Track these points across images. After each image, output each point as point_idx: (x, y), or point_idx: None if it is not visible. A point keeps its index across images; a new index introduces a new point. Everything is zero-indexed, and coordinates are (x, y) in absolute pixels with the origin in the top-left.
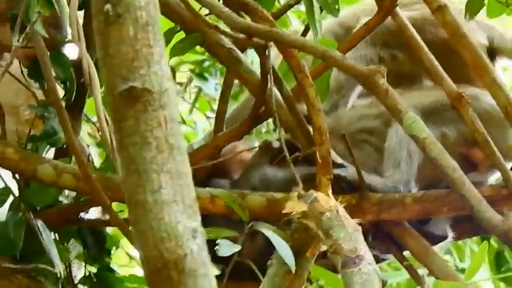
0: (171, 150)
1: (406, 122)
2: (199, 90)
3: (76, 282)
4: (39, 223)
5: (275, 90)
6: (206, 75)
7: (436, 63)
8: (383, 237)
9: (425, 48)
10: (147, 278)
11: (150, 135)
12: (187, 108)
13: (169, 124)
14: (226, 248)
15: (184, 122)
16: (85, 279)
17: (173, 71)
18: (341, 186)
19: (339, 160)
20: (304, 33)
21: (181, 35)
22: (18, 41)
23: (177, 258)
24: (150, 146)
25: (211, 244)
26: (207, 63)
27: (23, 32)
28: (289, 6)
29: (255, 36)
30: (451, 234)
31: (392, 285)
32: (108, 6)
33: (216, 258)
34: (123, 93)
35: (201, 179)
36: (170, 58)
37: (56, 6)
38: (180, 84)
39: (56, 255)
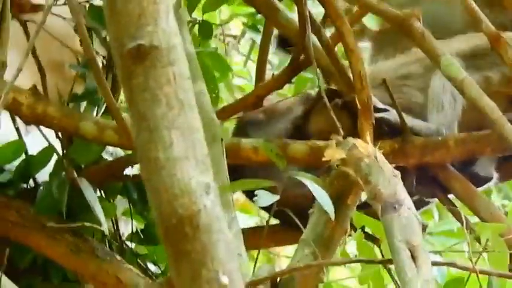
0: (181, 106)
1: (443, 63)
2: (253, 42)
3: (123, 239)
4: (83, 181)
5: (314, 37)
6: (259, 26)
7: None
8: (427, 181)
9: None
10: (163, 234)
11: (159, 92)
12: (241, 61)
13: (179, 80)
14: (265, 198)
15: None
16: (132, 236)
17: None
18: (383, 130)
19: (381, 105)
20: None
21: None
22: None
23: (191, 214)
24: (160, 102)
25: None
26: (259, 16)
27: None
28: None
29: None
30: (495, 176)
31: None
32: None
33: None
34: (131, 51)
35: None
36: (203, 14)
37: None
38: (234, 37)
39: (101, 212)
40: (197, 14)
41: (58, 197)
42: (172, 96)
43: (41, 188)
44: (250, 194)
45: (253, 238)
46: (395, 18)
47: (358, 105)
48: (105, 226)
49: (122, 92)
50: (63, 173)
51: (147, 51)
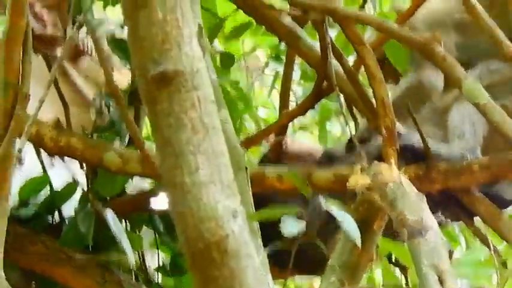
0: (206, 130)
1: (466, 87)
2: (277, 73)
3: (150, 270)
4: (109, 213)
5: (336, 64)
6: (283, 57)
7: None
8: (452, 205)
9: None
10: (190, 260)
11: (184, 116)
12: (265, 92)
13: (203, 104)
14: (290, 225)
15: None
16: (159, 267)
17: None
18: (407, 156)
19: (404, 130)
20: (362, 6)
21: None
22: (72, 29)
23: (218, 239)
24: (185, 127)
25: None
26: (283, 46)
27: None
28: None
29: (311, 10)
30: None
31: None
32: None
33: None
34: (156, 76)
35: (272, 159)
36: (226, 42)
37: None
38: (258, 68)
39: (128, 245)
40: (219, 44)
41: (84, 230)
42: (197, 121)
43: (67, 221)
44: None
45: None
46: (417, 43)
47: (383, 130)
48: (132, 258)
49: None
50: (89, 205)
51: (171, 76)
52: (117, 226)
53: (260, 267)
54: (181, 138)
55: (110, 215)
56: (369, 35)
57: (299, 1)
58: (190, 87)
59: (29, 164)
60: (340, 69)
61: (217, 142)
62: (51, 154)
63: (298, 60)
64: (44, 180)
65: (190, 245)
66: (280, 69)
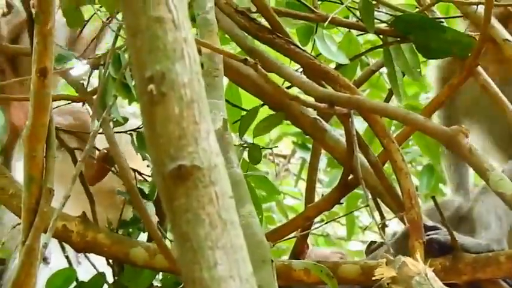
0: (224, 225)
1: (493, 179)
2: (303, 161)
3: None
4: None
5: (361, 157)
6: (309, 145)
7: None
8: None
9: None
10: None
11: (202, 212)
12: (292, 180)
13: (221, 199)
14: None
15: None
16: None
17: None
18: (433, 249)
19: (430, 223)
20: (388, 98)
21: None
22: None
23: None
24: (203, 222)
25: None
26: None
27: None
28: (371, 72)
29: (337, 104)
30: None
31: None
32: (151, 86)
33: None
34: (173, 172)
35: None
36: (254, 137)
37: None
38: (284, 156)
39: None
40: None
41: None
42: (215, 216)
43: None
44: None
45: None
46: (443, 135)
47: (407, 223)
48: None
49: None
50: None
51: (189, 172)
52: None
53: None
54: (199, 234)
55: None
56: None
57: (325, 94)
58: (207, 182)
59: (54, 263)
60: (366, 162)
61: (236, 236)
62: (77, 250)
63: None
64: (71, 274)
65: None
66: (307, 156)
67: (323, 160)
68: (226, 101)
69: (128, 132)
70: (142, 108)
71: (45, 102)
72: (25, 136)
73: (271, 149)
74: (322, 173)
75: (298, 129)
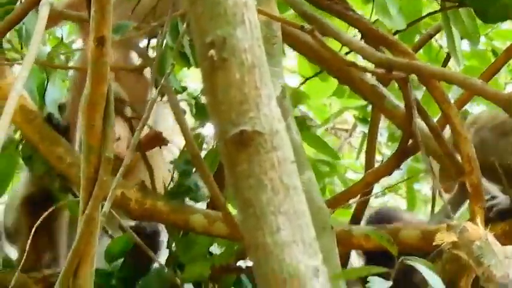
0: (286, 190)
1: None
2: (365, 135)
3: None
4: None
5: (420, 122)
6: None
7: None
8: None
9: None
10: None
11: (264, 177)
12: (354, 154)
13: (283, 165)
14: (378, 285)
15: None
16: None
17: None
18: (494, 216)
19: (490, 188)
20: (445, 63)
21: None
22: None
23: None
24: (266, 188)
25: None
26: (369, 108)
27: (158, 85)
28: (429, 37)
29: (395, 69)
30: None
31: None
32: (212, 52)
33: None
34: (235, 138)
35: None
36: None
37: None
38: (346, 130)
39: None
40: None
41: None
42: (277, 181)
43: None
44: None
45: None
46: (501, 100)
47: (469, 188)
48: None
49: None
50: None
51: (251, 137)
52: None
53: None
54: (262, 199)
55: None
56: None
57: (383, 59)
58: (269, 148)
59: None
60: (425, 127)
61: (298, 202)
62: (136, 217)
63: (385, 123)
64: (128, 240)
65: None
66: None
67: (383, 135)
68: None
69: None
70: (203, 74)
71: (103, 71)
72: (83, 106)
73: (332, 120)
74: (383, 147)
75: (359, 103)
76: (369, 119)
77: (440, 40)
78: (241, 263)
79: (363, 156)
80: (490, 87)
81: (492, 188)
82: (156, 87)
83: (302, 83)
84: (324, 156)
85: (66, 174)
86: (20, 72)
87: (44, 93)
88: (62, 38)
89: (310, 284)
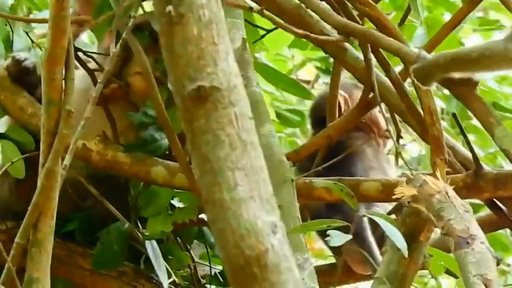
0: (244, 146)
1: (497, 134)
2: (327, 85)
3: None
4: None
5: (382, 75)
6: None
7: None
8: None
9: None
10: (230, 276)
11: (222, 133)
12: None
13: (241, 120)
14: (337, 238)
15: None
16: (211, 278)
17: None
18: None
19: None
20: (406, 14)
21: None
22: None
23: (258, 254)
24: (223, 144)
25: None
26: (332, 60)
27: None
28: None
29: (352, 36)
30: None
31: None
32: (170, 8)
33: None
34: (192, 93)
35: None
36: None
37: None
38: (308, 82)
39: (163, 272)
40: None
41: (118, 249)
42: (235, 137)
43: (101, 242)
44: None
45: (330, 275)
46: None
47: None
48: (166, 284)
49: None
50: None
51: (208, 93)
52: (152, 248)
53: (300, 281)
54: (219, 155)
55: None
56: None
57: (341, 23)
58: (227, 103)
59: None
60: (387, 80)
61: (256, 157)
62: (97, 169)
63: (348, 75)
64: None
65: (231, 262)
66: None
67: None
68: (246, 21)
69: None
70: (161, 29)
71: (64, 25)
72: (44, 59)
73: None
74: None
75: (321, 54)
76: (331, 70)
77: None
78: (203, 216)
79: None
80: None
81: None
82: (118, 40)
83: (263, 36)
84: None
85: (27, 125)
86: None
87: (11, 46)
88: None
89: (268, 239)
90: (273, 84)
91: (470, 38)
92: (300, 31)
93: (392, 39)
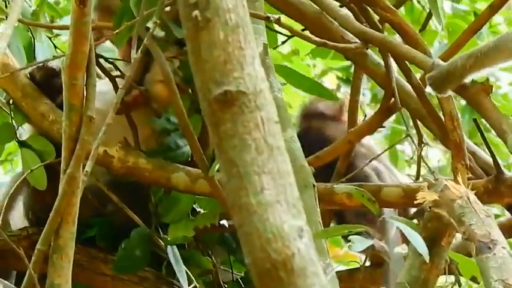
0: (270, 150)
1: (510, 142)
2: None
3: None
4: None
5: (403, 81)
6: None
7: None
8: None
9: None
10: (257, 280)
11: (248, 137)
12: None
13: (267, 125)
14: (359, 243)
15: None
16: (233, 284)
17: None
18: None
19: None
20: (427, 19)
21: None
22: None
23: (285, 258)
24: (250, 148)
25: None
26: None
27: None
28: None
29: (370, 43)
30: None
31: None
32: (196, 12)
33: None
34: (219, 97)
35: (341, 173)
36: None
37: None
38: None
39: (183, 274)
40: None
41: (140, 254)
42: (261, 141)
43: (122, 247)
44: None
45: (351, 281)
46: (464, 91)
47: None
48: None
49: None
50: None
51: (234, 97)
52: (173, 253)
53: (327, 285)
54: (246, 159)
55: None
56: None
57: (360, 30)
58: (253, 107)
59: None
60: (408, 85)
61: (282, 162)
62: (119, 176)
63: (369, 84)
64: None
65: (257, 266)
66: None
67: (366, 95)
68: (267, 27)
69: None
70: (187, 34)
71: (85, 30)
72: (65, 64)
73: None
74: (366, 108)
75: (342, 64)
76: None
77: (423, 1)
78: (224, 222)
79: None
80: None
81: None
82: (139, 46)
83: (284, 42)
84: None
85: (48, 132)
86: (3, 31)
87: (34, 53)
88: None
89: (294, 243)
90: (297, 86)
91: None
92: (318, 39)
93: (408, 47)
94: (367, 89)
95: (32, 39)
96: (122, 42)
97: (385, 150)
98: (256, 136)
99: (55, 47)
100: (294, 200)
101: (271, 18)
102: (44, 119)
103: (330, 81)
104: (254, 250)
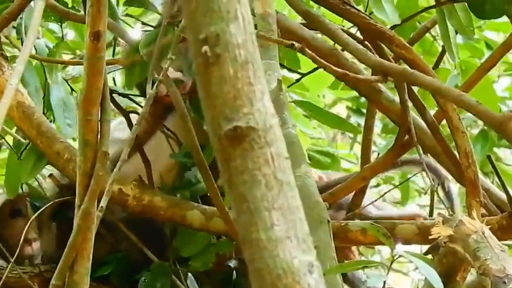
0: (280, 186)
1: None
2: (358, 125)
3: None
4: (188, 275)
5: (417, 118)
6: (363, 110)
7: None
8: None
9: None
10: None
11: (258, 173)
12: (348, 144)
13: (277, 160)
14: (374, 278)
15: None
16: None
17: None
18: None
19: (485, 183)
20: (441, 56)
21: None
22: (151, 88)
23: None
24: (260, 183)
25: None
26: (363, 99)
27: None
28: (425, 30)
29: (389, 75)
30: None
31: None
32: (206, 48)
33: None
34: (229, 133)
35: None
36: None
37: None
38: None
39: None
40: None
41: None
42: (271, 177)
43: (143, 279)
44: None
45: None
46: (494, 120)
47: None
48: None
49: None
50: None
51: (244, 133)
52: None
53: None
54: (256, 195)
55: (189, 277)
56: None
57: (378, 63)
58: (263, 143)
59: None
60: (422, 122)
61: (292, 197)
62: (134, 213)
63: (378, 114)
64: None
65: None
66: (361, 121)
67: (378, 126)
68: (282, 65)
69: None
70: (197, 70)
71: (99, 66)
72: (79, 100)
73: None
74: (377, 137)
75: (352, 94)
76: (362, 110)
77: (434, 32)
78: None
79: (356, 146)
80: (483, 107)
81: None
82: (154, 82)
83: (300, 78)
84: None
85: (63, 170)
86: (16, 66)
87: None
88: (62, 37)
89: (304, 279)
90: (321, 121)
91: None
92: (340, 70)
93: (431, 77)
94: (377, 119)
95: (45, 79)
96: (131, 83)
97: (399, 185)
98: (266, 172)
99: (72, 89)
100: (304, 236)
101: (296, 46)
102: (59, 157)
103: (339, 112)
104: (265, 286)
